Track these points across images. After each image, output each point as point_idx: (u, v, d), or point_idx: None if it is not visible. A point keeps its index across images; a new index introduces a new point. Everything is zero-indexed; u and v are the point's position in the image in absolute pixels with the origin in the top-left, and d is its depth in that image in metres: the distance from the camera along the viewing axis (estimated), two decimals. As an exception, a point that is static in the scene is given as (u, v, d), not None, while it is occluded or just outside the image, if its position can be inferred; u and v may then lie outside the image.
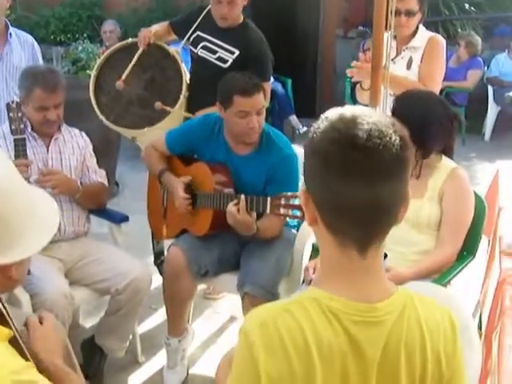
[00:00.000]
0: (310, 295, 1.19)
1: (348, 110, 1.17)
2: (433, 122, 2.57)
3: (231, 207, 2.63)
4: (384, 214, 1.16)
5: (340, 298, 1.16)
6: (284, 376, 1.13)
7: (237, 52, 3.44)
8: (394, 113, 2.60)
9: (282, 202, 2.48)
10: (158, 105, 3.58)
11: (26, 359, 1.53)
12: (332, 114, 1.18)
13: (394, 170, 1.14)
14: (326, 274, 1.23)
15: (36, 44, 4.14)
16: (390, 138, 1.12)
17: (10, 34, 3.92)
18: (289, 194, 2.49)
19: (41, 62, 4.14)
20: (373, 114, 1.16)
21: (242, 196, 2.63)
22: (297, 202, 2.43)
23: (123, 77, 3.63)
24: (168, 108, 3.56)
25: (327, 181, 1.14)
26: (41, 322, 1.77)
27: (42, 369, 1.64)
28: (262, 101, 2.82)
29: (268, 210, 2.56)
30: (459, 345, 1.24)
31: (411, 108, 2.58)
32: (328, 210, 1.17)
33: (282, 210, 2.49)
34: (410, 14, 3.29)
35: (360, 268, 1.18)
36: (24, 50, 4.00)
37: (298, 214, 2.44)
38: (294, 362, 1.12)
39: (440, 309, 1.26)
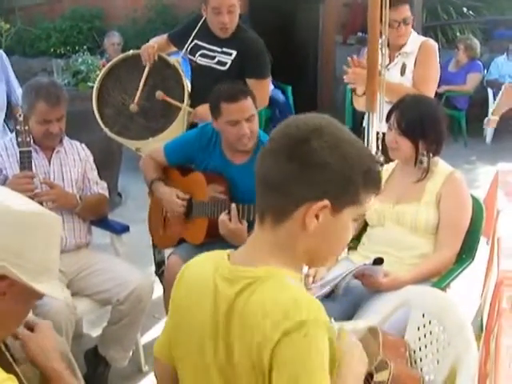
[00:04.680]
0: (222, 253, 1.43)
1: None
2: (440, 119, 2.67)
3: (223, 216, 2.65)
4: (270, 191, 1.33)
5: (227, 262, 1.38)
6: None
7: (234, 53, 3.47)
8: (402, 118, 2.63)
9: None
10: (160, 94, 3.61)
11: (12, 371, 1.54)
12: None
13: (292, 155, 1.29)
14: None
15: (4, 55, 4.21)
16: (299, 131, 1.31)
17: None
18: None
19: (11, 72, 4.19)
20: (316, 117, 1.35)
21: (233, 205, 2.65)
22: None
23: (136, 99, 3.66)
24: (169, 99, 3.59)
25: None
26: (31, 330, 1.75)
27: (47, 377, 1.66)
28: (250, 108, 2.83)
29: None
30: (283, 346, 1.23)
31: (420, 110, 2.64)
32: None
33: None
34: (406, 22, 3.34)
35: (256, 235, 1.37)
36: None
37: None
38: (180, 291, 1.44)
39: (278, 308, 1.26)
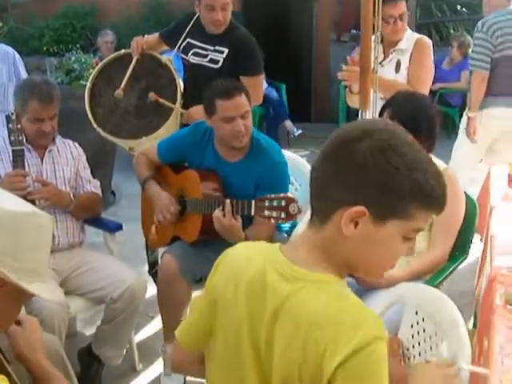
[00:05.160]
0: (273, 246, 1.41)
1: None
2: (433, 115, 2.66)
3: (217, 212, 2.63)
4: (316, 192, 1.31)
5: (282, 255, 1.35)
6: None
7: (226, 50, 3.47)
8: (395, 115, 2.62)
9: (266, 204, 2.46)
10: (152, 95, 3.60)
11: (4, 371, 1.53)
12: None
13: (336, 156, 1.27)
14: None
15: (18, 56, 4.16)
16: (348, 133, 1.28)
17: None
18: (273, 195, 2.45)
19: (23, 72, 4.15)
20: (373, 121, 1.43)
21: (227, 200, 2.63)
22: (283, 203, 2.42)
23: (122, 85, 3.65)
24: (161, 100, 3.59)
25: None
26: (19, 324, 1.76)
27: (30, 370, 1.69)
28: (244, 104, 2.81)
29: (252, 213, 2.55)
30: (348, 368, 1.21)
31: (412, 107, 2.63)
32: None
33: (266, 212, 2.45)
34: (403, 17, 3.36)
35: (305, 235, 1.34)
36: (5, 63, 4.02)
37: (282, 215, 2.43)
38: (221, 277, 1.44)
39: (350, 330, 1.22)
